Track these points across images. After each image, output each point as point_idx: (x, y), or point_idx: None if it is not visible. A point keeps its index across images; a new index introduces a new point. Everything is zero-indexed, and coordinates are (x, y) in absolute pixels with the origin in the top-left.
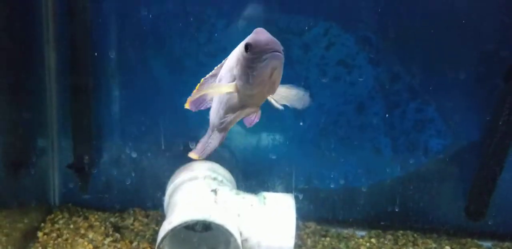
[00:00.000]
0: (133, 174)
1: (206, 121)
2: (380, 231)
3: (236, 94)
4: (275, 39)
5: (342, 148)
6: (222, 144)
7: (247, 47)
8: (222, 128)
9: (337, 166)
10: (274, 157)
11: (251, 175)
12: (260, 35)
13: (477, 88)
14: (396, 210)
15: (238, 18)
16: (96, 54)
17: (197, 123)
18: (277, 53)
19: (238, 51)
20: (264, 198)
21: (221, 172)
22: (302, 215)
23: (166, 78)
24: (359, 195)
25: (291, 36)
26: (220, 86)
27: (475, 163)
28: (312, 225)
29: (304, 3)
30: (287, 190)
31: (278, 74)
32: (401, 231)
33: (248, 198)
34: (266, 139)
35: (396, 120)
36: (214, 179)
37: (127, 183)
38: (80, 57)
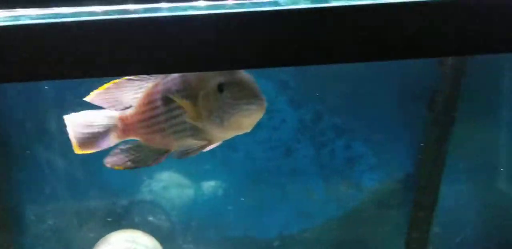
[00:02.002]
0: None
1: (129, 185)
2: None
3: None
4: None
5: (275, 195)
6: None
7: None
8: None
9: (272, 214)
10: (207, 210)
11: (184, 232)
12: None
13: (404, 118)
14: None
15: None
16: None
17: (119, 189)
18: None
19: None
20: None
21: (142, 241)
22: None
23: None
24: (297, 241)
25: None
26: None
27: (412, 196)
28: None
29: None
30: (224, 243)
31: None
32: None
33: None
34: (196, 193)
35: (326, 159)
36: None
37: None
38: None
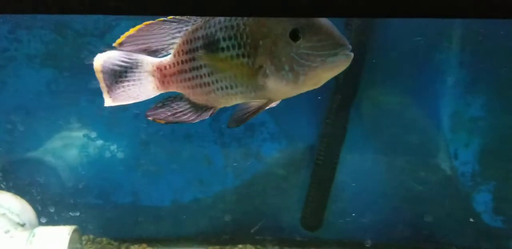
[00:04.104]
0: None
1: (6, 143)
2: (218, 247)
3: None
4: None
5: (169, 161)
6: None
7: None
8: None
9: (165, 181)
10: (93, 174)
11: (67, 197)
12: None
13: None
14: (234, 223)
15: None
16: None
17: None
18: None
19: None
20: (33, 235)
21: (8, 204)
22: (130, 237)
23: None
24: (192, 210)
25: (91, 39)
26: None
27: (312, 168)
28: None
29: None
30: (110, 209)
31: None
32: (240, 245)
33: (17, 237)
34: (81, 154)
35: (225, 125)
36: None
37: None
38: None
